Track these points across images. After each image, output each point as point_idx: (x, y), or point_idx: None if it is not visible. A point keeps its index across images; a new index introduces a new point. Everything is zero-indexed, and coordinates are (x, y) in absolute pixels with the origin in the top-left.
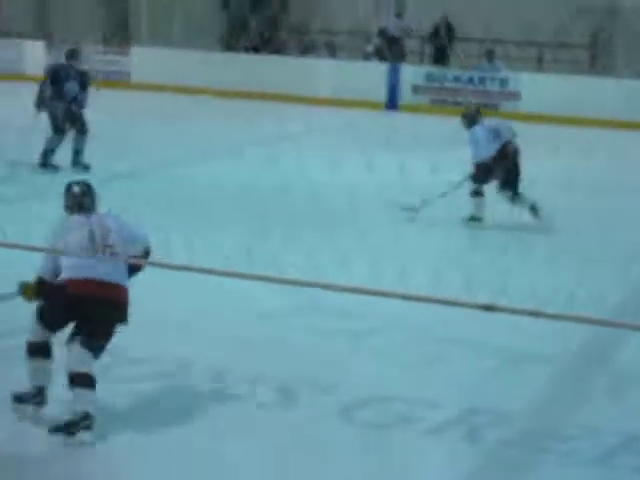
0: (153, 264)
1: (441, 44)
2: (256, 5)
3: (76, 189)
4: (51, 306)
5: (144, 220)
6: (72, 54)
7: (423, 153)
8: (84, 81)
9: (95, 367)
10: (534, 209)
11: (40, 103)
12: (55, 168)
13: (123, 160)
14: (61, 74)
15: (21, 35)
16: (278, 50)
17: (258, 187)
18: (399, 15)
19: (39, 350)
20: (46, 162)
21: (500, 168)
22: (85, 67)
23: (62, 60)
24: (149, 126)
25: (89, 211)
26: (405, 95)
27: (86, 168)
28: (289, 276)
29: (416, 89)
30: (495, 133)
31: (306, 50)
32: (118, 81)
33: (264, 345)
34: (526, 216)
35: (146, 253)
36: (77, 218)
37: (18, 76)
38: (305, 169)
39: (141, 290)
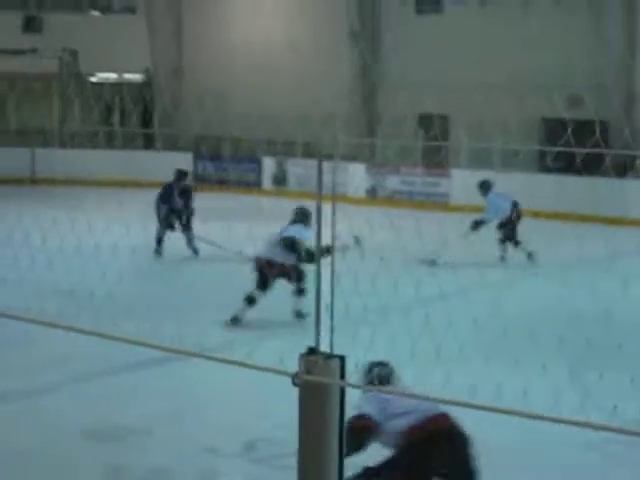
0: (512, 412)
1: None
2: (580, 134)
3: (297, 210)
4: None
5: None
6: (179, 175)
7: None
8: (187, 196)
9: None
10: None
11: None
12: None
13: (427, 281)
14: (168, 191)
15: (345, 158)
16: (595, 169)
17: (583, 313)
18: None
19: (251, 301)
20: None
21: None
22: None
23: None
24: (464, 247)
25: (290, 223)
26: None
27: (195, 252)
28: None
29: None
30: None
31: (626, 170)
32: (437, 202)
33: (588, 475)
34: None
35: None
36: (286, 226)
37: (340, 197)
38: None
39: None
